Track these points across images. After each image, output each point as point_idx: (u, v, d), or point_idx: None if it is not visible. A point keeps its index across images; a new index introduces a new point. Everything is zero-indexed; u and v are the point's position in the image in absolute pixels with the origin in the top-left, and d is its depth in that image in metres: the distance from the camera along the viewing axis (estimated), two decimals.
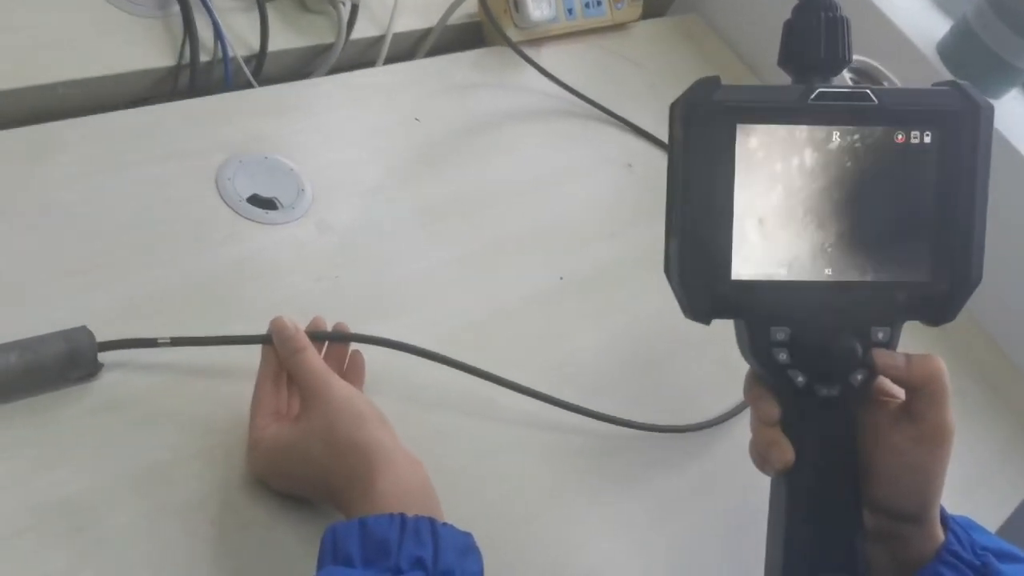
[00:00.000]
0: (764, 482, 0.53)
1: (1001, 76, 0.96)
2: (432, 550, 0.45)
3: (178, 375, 0.58)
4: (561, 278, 0.78)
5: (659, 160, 0.95)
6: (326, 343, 0.60)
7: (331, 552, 0.45)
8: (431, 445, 0.61)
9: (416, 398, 0.64)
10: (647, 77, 1.04)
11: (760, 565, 0.52)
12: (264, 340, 0.56)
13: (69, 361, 0.53)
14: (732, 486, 0.70)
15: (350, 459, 0.50)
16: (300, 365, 0.54)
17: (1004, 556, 0.51)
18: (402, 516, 0.46)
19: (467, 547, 0.48)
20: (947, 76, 0.98)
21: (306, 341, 0.55)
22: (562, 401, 0.67)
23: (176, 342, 0.57)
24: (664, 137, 0.96)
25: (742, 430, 0.71)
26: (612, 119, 0.96)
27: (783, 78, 0.52)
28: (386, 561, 0.44)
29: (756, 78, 1.13)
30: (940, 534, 0.51)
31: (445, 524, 0.47)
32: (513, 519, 0.62)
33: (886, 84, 0.92)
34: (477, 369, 0.64)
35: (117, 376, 0.56)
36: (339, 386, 0.54)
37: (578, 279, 0.79)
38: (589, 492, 0.66)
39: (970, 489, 0.82)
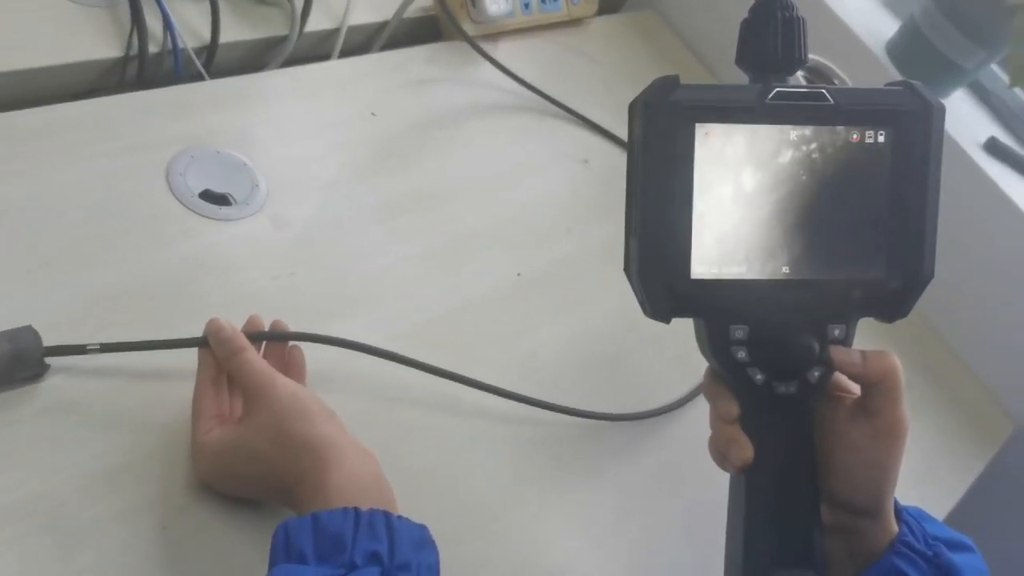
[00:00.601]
0: (722, 471, 0.53)
1: (948, 76, 0.98)
2: (388, 544, 0.45)
3: (128, 376, 0.56)
4: (519, 274, 0.78)
5: (614, 156, 0.95)
6: (264, 343, 0.59)
7: (283, 549, 0.45)
8: (393, 444, 0.60)
9: (378, 396, 0.64)
10: (603, 73, 1.04)
11: (720, 552, 0.53)
12: (200, 343, 0.55)
13: (15, 361, 0.52)
14: (692, 474, 0.71)
15: (300, 455, 0.50)
16: (241, 366, 0.53)
17: (954, 545, 0.53)
18: (356, 510, 0.45)
19: (423, 540, 0.47)
20: (896, 75, 0.99)
21: (245, 342, 0.54)
22: (518, 395, 0.67)
23: (106, 348, 0.54)
24: (620, 134, 0.97)
25: (699, 415, 0.73)
26: (568, 115, 0.96)
27: (738, 75, 0.52)
28: (340, 556, 0.44)
29: (711, 74, 1.14)
30: (894, 526, 0.52)
31: (400, 517, 0.47)
32: (479, 517, 0.62)
33: (837, 83, 0.94)
34: (418, 362, 0.64)
35: (65, 377, 0.55)
36: (283, 383, 0.53)
37: (536, 275, 0.79)
38: (552, 487, 0.66)
39: (917, 482, 0.83)
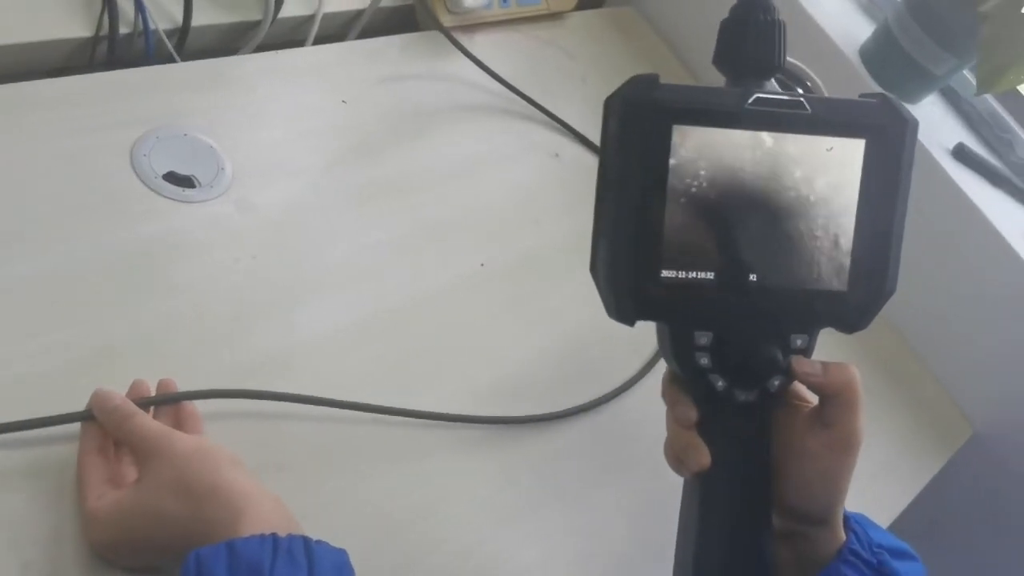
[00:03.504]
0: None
1: (919, 81, 0.99)
2: (307, 570, 0.43)
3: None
4: (482, 264, 0.78)
5: (586, 151, 0.96)
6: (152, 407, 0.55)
7: None
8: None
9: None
10: (579, 69, 1.05)
11: (663, 543, 0.53)
12: (83, 417, 0.52)
13: None
14: (646, 460, 0.71)
15: (208, 505, 0.47)
16: (134, 430, 0.51)
17: (897, 553, 0.53)
18: (274, 536, 0.44)
19: (342, 564, 0.46)
20: (869, 80, 1.00)
21: (134, 407, 0.52)
22: (419, 411, 0.65)
23: None
24: (592, 133, 0.97)
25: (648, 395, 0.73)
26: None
27: (716, 75, 0.52)
28: None
29: (688, 71, 1.14)
30: (842, 534, 0.53)
31: (319, 542, 0.46)
32: (423, 540, 0.61)
33: (809, 84, 0.94)
34: (321, 399, 0.61)
35: None
36: (182, 437, 0.50)
37: (500, 266, 0.79)
38: (496, 490, 0.66)
39: (872, 479, 0.84)
